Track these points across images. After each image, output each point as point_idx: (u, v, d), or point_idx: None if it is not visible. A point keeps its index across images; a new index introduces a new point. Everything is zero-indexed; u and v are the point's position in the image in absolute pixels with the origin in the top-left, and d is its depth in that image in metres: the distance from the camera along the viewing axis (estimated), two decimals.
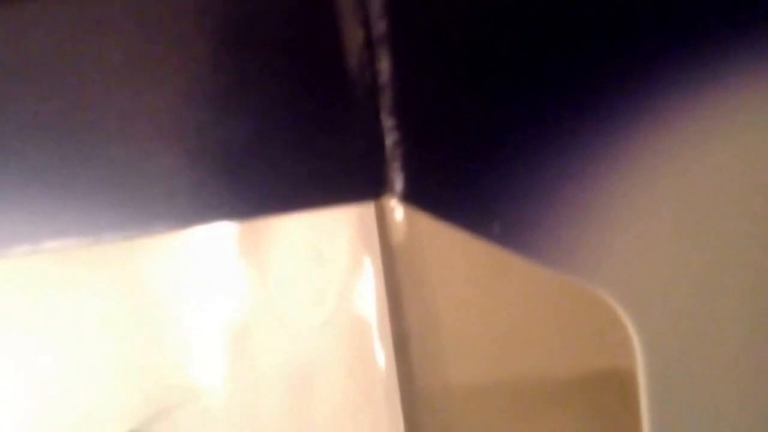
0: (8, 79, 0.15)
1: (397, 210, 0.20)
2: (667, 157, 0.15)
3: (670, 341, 0.16)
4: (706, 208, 0.15)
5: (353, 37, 0.15)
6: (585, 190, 0.15)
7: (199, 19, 0.15)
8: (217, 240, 0.22)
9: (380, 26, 0.15)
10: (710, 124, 0.15)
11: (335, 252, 0.23)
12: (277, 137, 0.15)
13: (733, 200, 0.15)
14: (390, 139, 0.15)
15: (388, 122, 0.15)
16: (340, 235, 0.23)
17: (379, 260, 0.23)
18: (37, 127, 0.15)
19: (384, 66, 0.15)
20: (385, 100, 0.15)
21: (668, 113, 0.15)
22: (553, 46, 0.15)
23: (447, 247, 0.22)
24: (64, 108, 0.15)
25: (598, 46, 0.15)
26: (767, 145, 0.15)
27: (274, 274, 0.22)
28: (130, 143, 0.15)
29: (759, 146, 0.15)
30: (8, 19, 0.15)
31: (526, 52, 0.15)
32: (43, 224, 0.16)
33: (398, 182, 0.15)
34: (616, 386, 0.20)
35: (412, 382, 0.24)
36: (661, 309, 0.16)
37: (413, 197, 0.15)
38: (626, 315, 0.16)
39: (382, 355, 0.24)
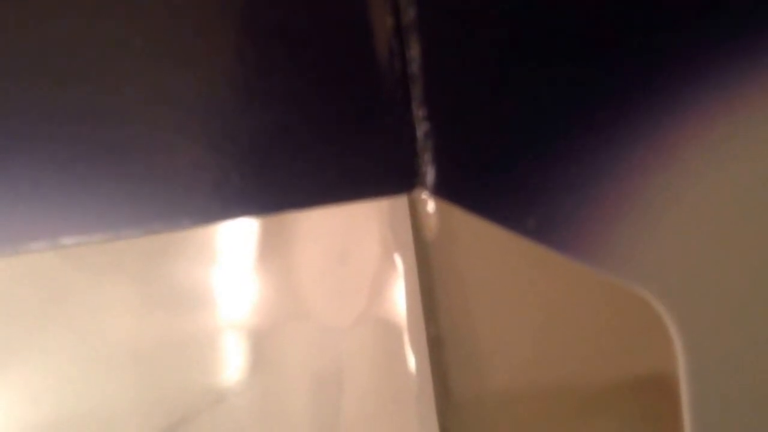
0: (25, 67, 0.16)
1: (430, 203, 0.21)
2: (708, 152, 0.16)
3: (712, 342, 0.17)
4: (750, 202, 0.16)
5: (382, 24, 0.16)
6: (623, 184, 0.16)
7: (224, 6, 0.16)
8: (242, 237, 0.23)
9: (410, 13, 0.16)
10: (750, 119, 0.16)
11: (365, 248, 0.24)
12: (305, 129, 0.16)
13: None
14: (421, 130, 0.16)
15: (419, 113, 0.16)
16: (370, 230, 0.24)
17: (412, 257, 0.24)
18: (55, 118, 0.16)
19: (414, 54, 0.16)
20: (416, 89, 0.16)
21: (710, 107, 0.16)
22: (594, 36, 0.16)
23: (484, 243, 0.23)
24: (83, 97, 0.16)
25: (641, 36, 0.16)
26: None
27: (300, 272, 0.24)
28: (152, 135, 0.16)
29: None
30: (24, 5, 0.16)
31: (565, 40, 0.16)
32: (61, 220, 0.17)
33: (430, 175, 0.17)
34: (664, 390, 0.21)
35: (446, 386, 0.25)
36: (702, 307, 0.17)
37: (445, 190, 0.17)
38: (666, 314, 0.17)
39: (414, 358, 0.25)
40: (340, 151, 0.16)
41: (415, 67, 0.16)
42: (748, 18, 0.16)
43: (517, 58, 0.16)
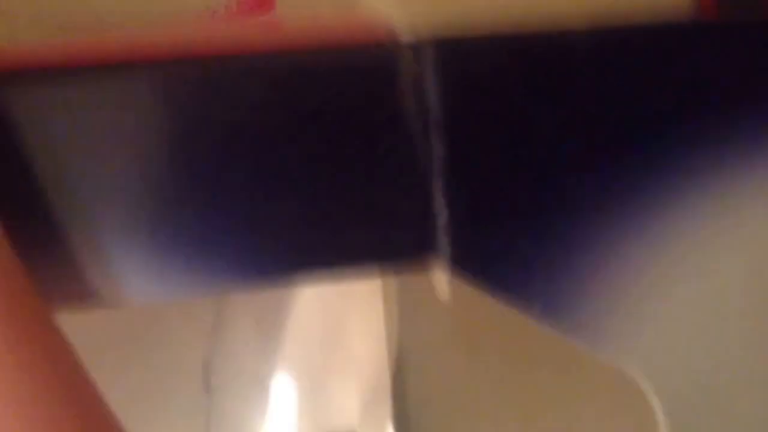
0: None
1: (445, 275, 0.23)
2: (693, 251, 0.19)
3: (693, 417, 0.19)
4: (728, 298, 0.19)
5: (413, 121, 0.19)
6: (618, 273, 0.19)
7: (272, 106, 0.18)
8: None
9: (435, 116, 0.19)
10: (733, 214, 0.19)
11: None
12: (335, 205, 0.19)
13: (757, 283, 0.19)
14: (440, 213, 0.19)
15: (439, 198, 0.19)
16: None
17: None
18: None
19: (438, 148, 0.19)
20: (438, 179, 0.19)
21: (694, 204, 0.19)
22: (589, 148, 0.19)
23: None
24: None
25: (636, 138, 0.19)
26: None
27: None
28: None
29: None
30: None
31: (566, 149, 0.19)
32: None
33: (446, 253, 0.19)
34: None
35: None
36: (684, 388, 0.19)
37: (459, 268, 0.19)
38: (651, 393, 0.19)
39: None
40: (372, 228, 0.19)
41: (438, 158, 0.19)
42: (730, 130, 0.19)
43: (526, 162, 0.19)
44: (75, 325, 0.17)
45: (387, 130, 0.19)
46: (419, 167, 0.19)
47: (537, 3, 0.19)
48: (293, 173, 0.18)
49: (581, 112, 0.19)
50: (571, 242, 0.19)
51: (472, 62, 0.19)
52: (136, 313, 0.24)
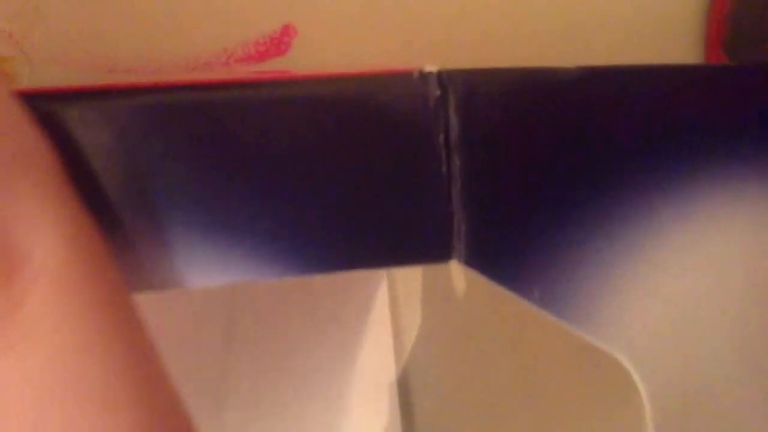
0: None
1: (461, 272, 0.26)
2: (671, 250, 0.23)
3: (678, 402, 0.23)
4: (704, 292, 0.23)
5: (436, 139, 0.22)
6: (605, 266, 0.23)
7: (323, 131, 0.22)
8: None
9: (454, 133, 0.22)
10: (711, 215, 0.23)
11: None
12: (371, 207, 0.22)
13: (736, 280, 0.23)
14: (458, 216, 0.22)
15: (457, 203, 0.22)
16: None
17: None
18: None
19: (456, 162, 0.22)
20: (456, 187, 0.22)
21: (674, 210, 0.23)
22: (586, 164, 0.23)
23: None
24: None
25: (625, 154, 0.23)
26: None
27: None
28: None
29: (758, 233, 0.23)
30: None
31: (567, 164, 0.23)
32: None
33: (462, 250, 0.22)
34: None
35: None
36: (662, 366, 0.23)
37: (473, 263, 0.22)
38: (633, 371, 0.23)
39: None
40: (398, 228, 0.22)
41: (456, 171, 0.22)
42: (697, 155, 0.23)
43: (531, 174, 0.23)
44: None
45: (413, 144, 0.22)
46: (440, 176, 0.22)
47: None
48: (328, 181, 0.22)
49: (579, 138, 0.23)
50: (569, 237, 0.22)
51: (488, 87, 0.22)
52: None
